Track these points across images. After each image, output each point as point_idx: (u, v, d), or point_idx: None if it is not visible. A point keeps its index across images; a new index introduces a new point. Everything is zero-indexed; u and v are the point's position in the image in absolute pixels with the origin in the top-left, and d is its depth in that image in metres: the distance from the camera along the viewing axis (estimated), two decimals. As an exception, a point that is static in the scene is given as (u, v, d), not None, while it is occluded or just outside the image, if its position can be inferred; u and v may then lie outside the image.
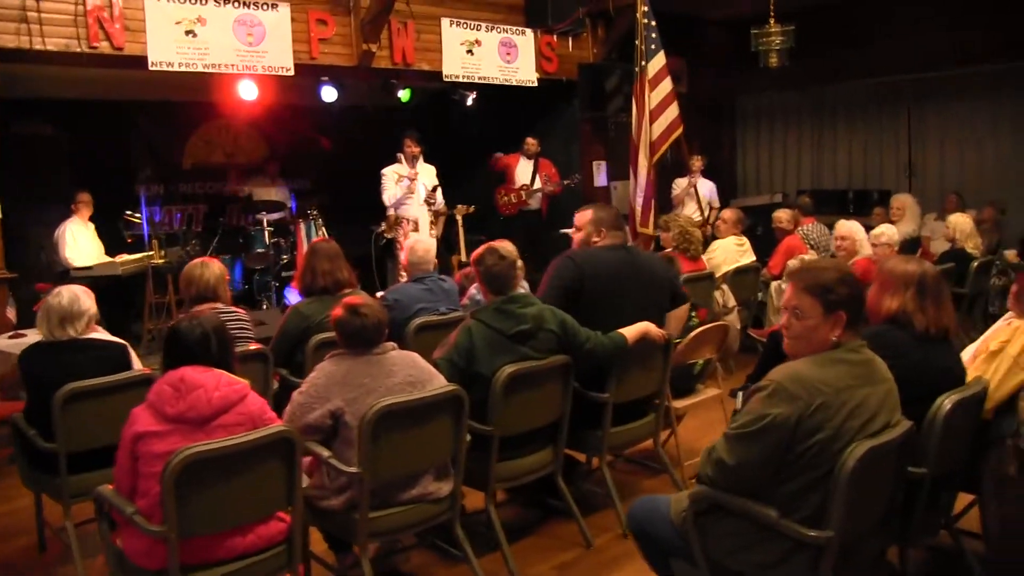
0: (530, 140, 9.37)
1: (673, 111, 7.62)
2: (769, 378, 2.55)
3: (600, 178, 10.04)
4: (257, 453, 2.83)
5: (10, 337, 5.76)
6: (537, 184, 9.35)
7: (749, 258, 7.26)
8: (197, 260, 4.56)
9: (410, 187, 8.01)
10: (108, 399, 3.70)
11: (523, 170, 9.43)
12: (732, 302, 6.73)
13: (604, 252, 4.22)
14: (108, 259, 7.55)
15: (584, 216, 4.41)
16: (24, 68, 6.82)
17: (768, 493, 2.54)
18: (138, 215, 8.39)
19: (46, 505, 4.17)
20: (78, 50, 6.30)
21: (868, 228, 6.78)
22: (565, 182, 9.40)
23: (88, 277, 6.91)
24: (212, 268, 4.48)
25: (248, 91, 7.80)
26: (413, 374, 3.38)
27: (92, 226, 7.67)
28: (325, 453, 3.25)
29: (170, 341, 2.95)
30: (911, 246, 8.27)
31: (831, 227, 7.31)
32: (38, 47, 6.19)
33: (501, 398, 3.60)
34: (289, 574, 3.07)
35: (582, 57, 9.50)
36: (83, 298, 3.90)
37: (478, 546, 3.67)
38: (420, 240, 5.64)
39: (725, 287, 6.77)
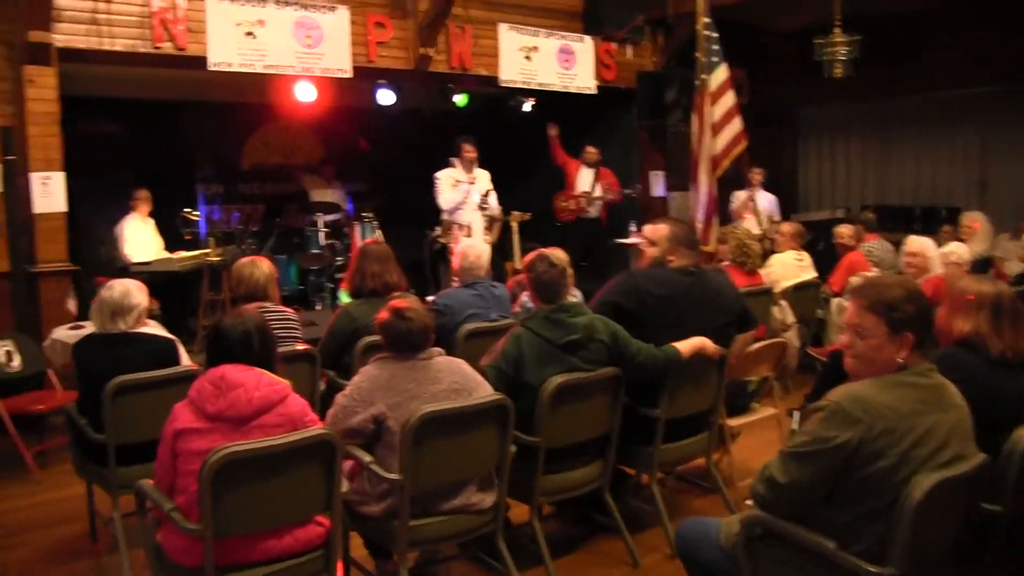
0: (591, 149, 9.28)
1: (736, 125, 7.48)
2: (828, 398, 2.41)
3: (658, 188, 9.91)
4: (296, 455, 2.78)
5: (70, 328, 5.85)
6: (598, 192, 9.26)
7: (809, 274, 7.06)
8: (247, 259, 4.55)
9: (466, 192, 7.97)
10: (155, 393, 3.71)
11: (583, 177, 9.34)
12: (791, 319, 6.54)
13: (671, 274, 4.03)
14: (167, 255, 7.63)
15: (659, 231, 4.16)
16: (92, 68, 6.94)
17: (825, 522, 2.40)
18: (196, 213, 8.49)
19: (97, 495, 4.20)
20: (143, 51, 6.42)
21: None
22: (626, 191, 9.29)
23: (146, 272, 6.99)
24: (262, 267, 4.47)
25: (306, 93, 7.85)
26: (459, 381, 3.32)
27: (152, 222, 7.77)
28: (367, 458, 3.20)
29: (212, 338, 2.92)
30: (982, 266, 7.96)
31: (897, 244, 7.07)
32: (107, 47, 6.32)
33: (548, 409, 3.51)
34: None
35: (641, 65, 9.41)
36: (135, 293, 3.92)
37: (521, 560, 3.57)
38: (472, 245, 5.58)
39: (784, 303, 6.58)
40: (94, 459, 3.91)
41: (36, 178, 6.31)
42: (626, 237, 9.15)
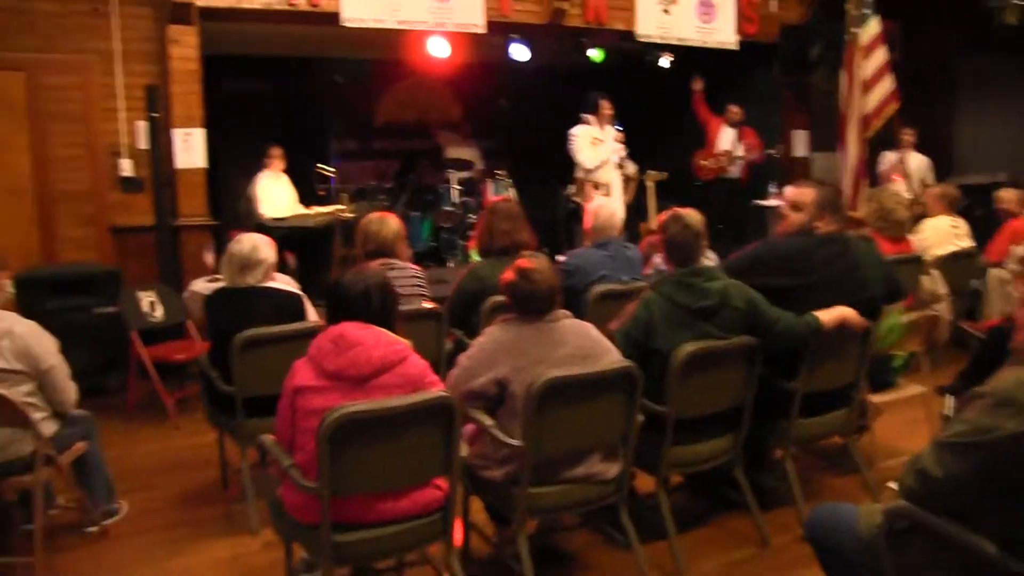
0: (734, 108, 8.91)
1: (888, 83, 6.99)
2: (996, 385, 2.13)
3: (801, 148, 9.43)
4: (414, 417, 2.72)
5: (208, 281, 6.01)
6: (740, 152, 8.89)
7: (965, 242, 6.55)
8: (375, 215, 4.51)
9: (611, 150, 7.78)
10: (281, 347, 3.73)
11: (724, 136, 8.99)
12: (943, 290, 6.08)
13: (815, 241, 3.80)
14: (303, 211, 7.77)
15: (805, 195, 3.91)
16: (231, 26, 7.08)
17: (985, 520, 2.12)
18: (330, 169, 8.60)
19: (228, 444, 4.31)
20: (278, 7, 6.48)
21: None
22: (769, 151, 8.88)
23: (282, 228, 7.14)
24: (389, 223, 4.42)
25: (439, 48, 7.78)
26: (585, 346, 3.18)
27: (285, 178, 7.90)
28: (488, 422, 3.12)
29: (332, 295, 2.88)
30: None
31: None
32: (244, 5, 6.43)
33: (679, 378, 3.34)
34: (444, 543, 2.96)
35: (785, 18, 8.90)
36: (262, 247, 3.95)
37: (645, 533, 3.42)
38: (604, 204, 5.41)
39: (935, 272, 6.12)
40: (224, 410, 3.99)
41: (178, 134, 6.51)
42: (766, 198, 8.79)
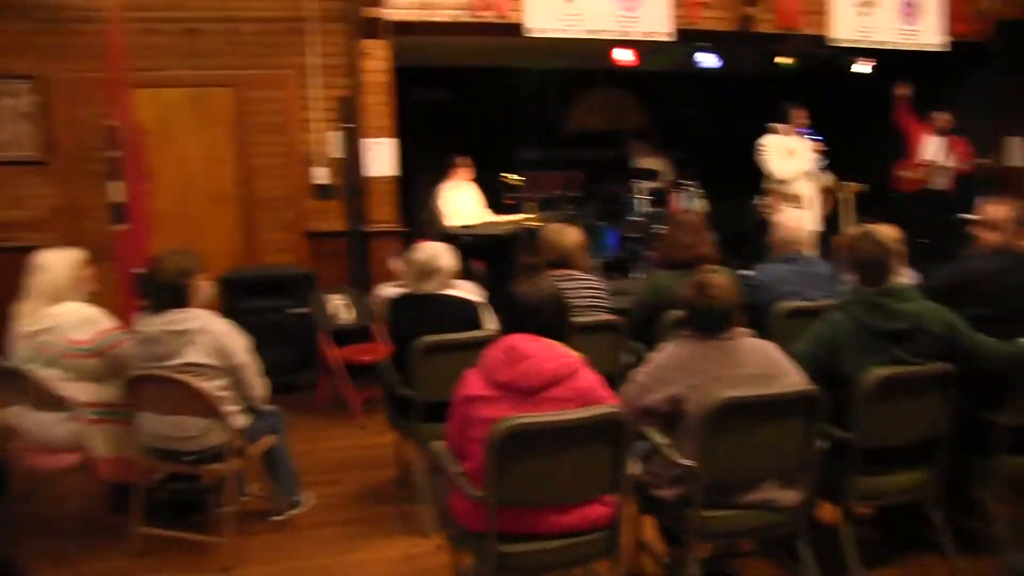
0: (942, 115, 8.31)
1: None
2: None
3: (1017, 157, 8.68)
4: (584, 432, 2.69)
5: (395, 286, 6.23)
6: (947, 161, 8.30)
7: None
8: (556, 225, 4.53)
9: (800, 160, 7.49)
10: (456, 355, 3.78)
11: (929, 145, 8.41)
12: None
13: (1011, 266, 3.52)
14: (491, 219, 7.89)
15: (1000, 211, 3.66)
16: (420, 39, 7.31)
17: None
18: (517, 178, 8.70)
19: (406, 446, 4.43)
20: (465, 19, 6.64)
21: None
22: (981, 160, 8.23)
23: (469, 236, 7.28)
24: (570, 234, 4.42)
25: (626, 57, 7.72)
26: (765, 366, 3.04)
27: (473, 187, 8.05)
28: (661, 440, 3.04)
29: (505, 307, 2.89)
30: None
31: None
32: (434, 19, 6.63)
33: (866, 404, 3.13)
34: (610, 561, 2.91)
35: (1001, 13, 8.20)
36: (442, 255, 4.03)
37: (826, 566, 3.23)
38: (791, 216, 5.17)
39: None
40: (402, 412, 4.10)
41: (369, 144, 6.78)
42: (974, 212, 8.13)
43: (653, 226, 8.69)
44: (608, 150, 10.58)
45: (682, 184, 8.97)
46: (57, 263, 3.94)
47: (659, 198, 9.19)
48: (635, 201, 9.03)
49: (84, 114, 6.48)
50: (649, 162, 9.91)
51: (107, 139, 5.55)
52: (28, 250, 4.10)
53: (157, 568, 3.77)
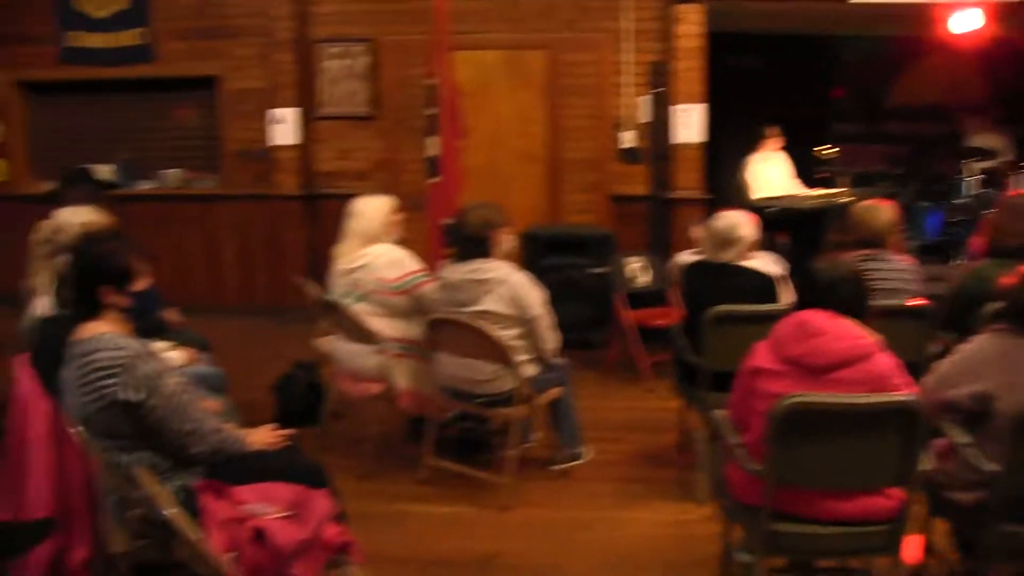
0: None
1: None
2: None
3: None
4: (873, 418, 2.56)
5: (693, 253, 6.21)
6: None
7: None
8: (868, 202, 4.28)
9: None
10: (747, 327, 3.68)
11: None
12: None
13: None
14: (801, 191, 7.60)
15: None
16: (736, 4, 7.14)
17: None
18: (832, 151, 8.28)
19: (690, 412, 4.46)
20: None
21: None
22: None
23: (774, 208, 7.06)
24: (882, 213, 4.16)
25: (968, 23, 7.03)
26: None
27: (782, 156, 7.77)
28: (962, 439, 2.81)
29: (802, 281, 2.81)
30: None
31: None
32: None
33: None
34: (891, 557, 2.76)
35: None
36: (742, 225, 3.97)
37: None
38: None
39: None
40: (689, 378, 4.11)
41: (679, 110, 6.75)
42: None
43: (981, 210, 7.92)
44: (937, 125, 9.74)
45: (1022, 165, 8.05)
46: (371, 208, 4.36)
47: (993, 180, 8.33)
48: (964, 182, 8.25)
49: (409, 74, 7.03)
50: (985, 139, 9.00)
51: (427, 98, 5.93)
52: (353, 197, 4.53)
53: (441, 497, 4.11)
